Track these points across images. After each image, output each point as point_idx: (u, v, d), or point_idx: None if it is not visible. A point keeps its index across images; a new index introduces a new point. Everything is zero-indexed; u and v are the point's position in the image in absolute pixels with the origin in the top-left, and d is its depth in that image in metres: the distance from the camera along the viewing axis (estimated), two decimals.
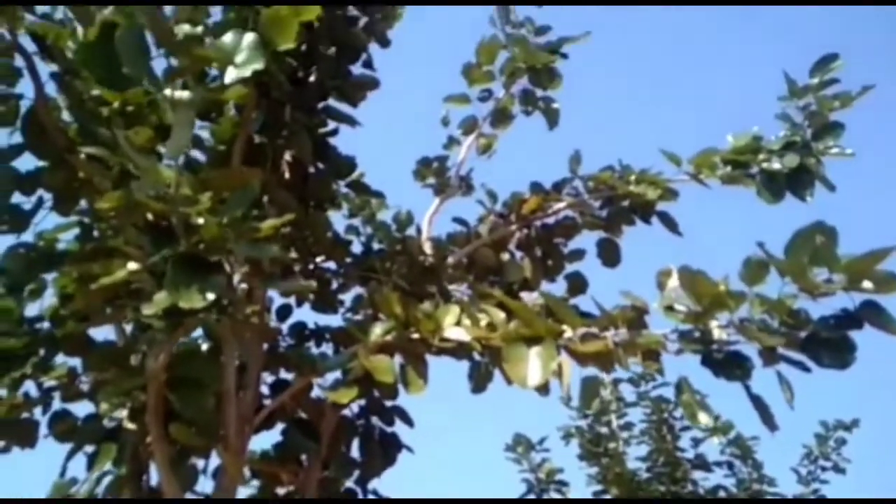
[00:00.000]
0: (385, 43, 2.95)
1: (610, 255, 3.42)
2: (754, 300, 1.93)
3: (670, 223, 3.28)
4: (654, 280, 2.20)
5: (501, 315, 2.18)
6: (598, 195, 3.40)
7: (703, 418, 1.98)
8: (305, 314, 3.31)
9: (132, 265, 1.65)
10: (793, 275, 1.85)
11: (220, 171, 1.75)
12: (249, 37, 1.89)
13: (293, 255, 3.09)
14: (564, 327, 2.06)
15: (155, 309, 1.58)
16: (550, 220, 3.47)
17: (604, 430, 5.79)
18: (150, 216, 1.80)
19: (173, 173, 1.67)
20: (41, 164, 2.29)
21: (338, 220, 3.78)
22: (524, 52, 3.46)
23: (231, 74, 1.74)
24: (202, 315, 1.81)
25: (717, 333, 1.99)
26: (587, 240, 3.51)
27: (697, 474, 5.63)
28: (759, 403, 1.95)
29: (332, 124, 2.94)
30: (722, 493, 5.56)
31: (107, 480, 2.38)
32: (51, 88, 2.28)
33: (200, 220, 1.63)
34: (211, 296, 1.52)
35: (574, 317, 2.08)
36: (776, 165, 3.00)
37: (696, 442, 5.71)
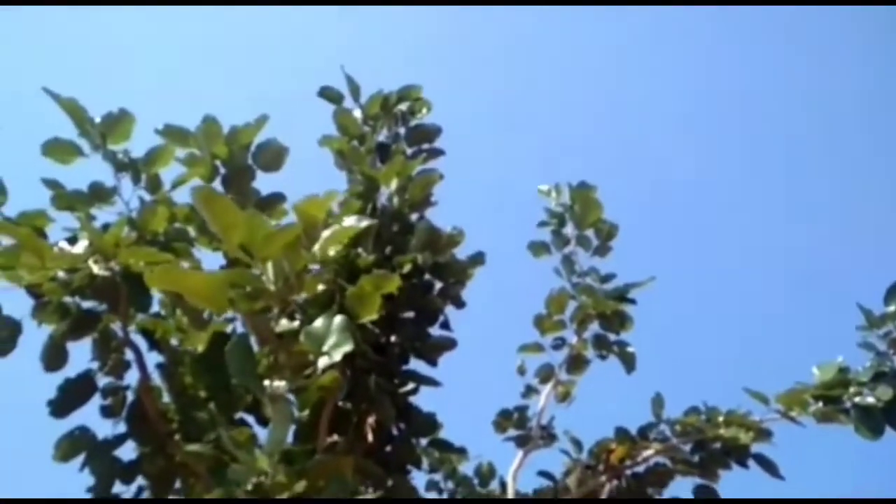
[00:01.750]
0: (460, 304, 3.09)
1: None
2: None
3: (769, 466, 3.11)
4: None
5: None
6: (688, 439, 3.29)
7: None
8: None
9: None
10: None
11: (315, 462, 1.78)
12: (338, 320, 2.00)
13: None
14: None
15: None
16: (640, 469, 3.33)
17: None
18: None
19: (269, 463, 1.72)
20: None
21: (418, 475, 3.72)
22: (593, 301, 3.56)
23: (323, 361, 1.85)
24: None
25: None
26: (682, 487, 3.35)
27: None
28: None
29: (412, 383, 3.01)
30: None
31: None
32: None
33: None
34: None
35: None
36: (870, 399, 2.89)
37: None
